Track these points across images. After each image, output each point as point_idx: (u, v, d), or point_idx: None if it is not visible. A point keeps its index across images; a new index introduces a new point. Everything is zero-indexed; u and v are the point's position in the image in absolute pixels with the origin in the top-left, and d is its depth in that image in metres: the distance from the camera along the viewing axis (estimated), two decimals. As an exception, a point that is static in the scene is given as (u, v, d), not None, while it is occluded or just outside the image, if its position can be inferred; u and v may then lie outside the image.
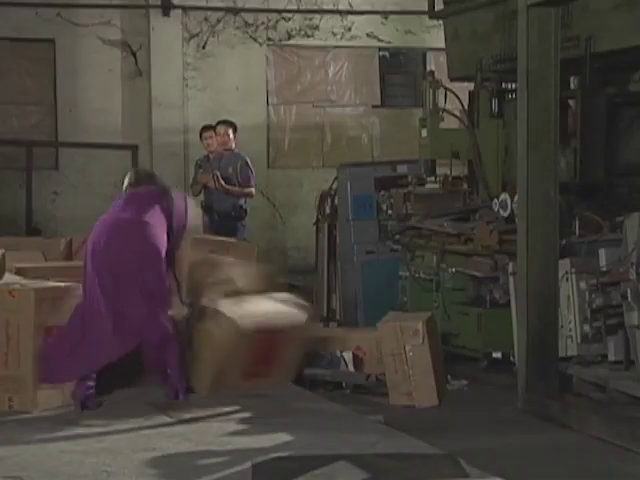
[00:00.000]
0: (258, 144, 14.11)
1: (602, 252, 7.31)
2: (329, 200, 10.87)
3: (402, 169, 10.24)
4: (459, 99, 9.59)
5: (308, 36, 14.85)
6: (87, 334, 6.87)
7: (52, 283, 7.02)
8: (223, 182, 10.70)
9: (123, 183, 7.50)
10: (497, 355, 8.39)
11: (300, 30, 14.79)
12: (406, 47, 15.32)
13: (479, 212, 8.82)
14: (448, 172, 9.67)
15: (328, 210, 10.86)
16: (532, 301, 6.88)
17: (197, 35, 14.28)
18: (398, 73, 15.60)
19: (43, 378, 6.75)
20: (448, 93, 9.59)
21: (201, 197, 11.30)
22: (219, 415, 6.57)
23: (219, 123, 11.17)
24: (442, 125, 9.55)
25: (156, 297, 6.93)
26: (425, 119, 9.50)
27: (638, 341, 6.95)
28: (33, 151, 13.73)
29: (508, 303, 7.92)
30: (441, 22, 10.62)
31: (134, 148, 14.06)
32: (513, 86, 9.19)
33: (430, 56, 15.28)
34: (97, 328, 6.84)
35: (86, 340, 6.85)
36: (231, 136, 10.99)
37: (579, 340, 7.39)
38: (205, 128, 11.40)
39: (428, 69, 14.27)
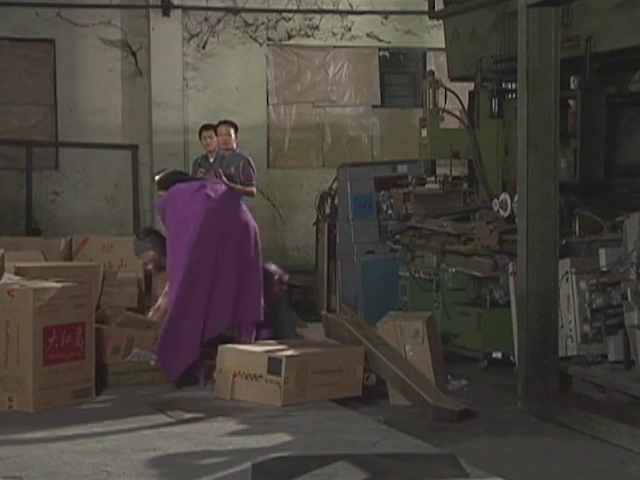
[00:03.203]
0: (258, 144, 14.12)
1: (602, 252, 7.31)
2: (329, 200, 10.88)
3: (402, 169, 10.25)
4: (459, 99, 9.59)
5: (308, 36, 14.85)
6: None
7: (52, 283, 7.02)
8: (226, 180, 10.70)
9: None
10: (497, 355, 8.39)
11: (300, 30, 14.80)
12: (406, 47, 15.33)
13: (479, 212, 8.82)
14: (448, 172, 9.68)
15: (328, 210, 10.88)
16: (532, 301, 6.87)
17: (197, 35, 14.28)
18: (398, 73, 15.61)
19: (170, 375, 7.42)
20: (448, 93, 9.60)
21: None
22: (219, 415, 6.57)
23: (220, 123, 11.18)
24: (442, 125, 9.55)
25: None
26: (425, 119, 9.51)
27: (638, 341, 6.95)
28: (33, 151, 13.74)
29: (508, 303, 7.92)
30: (441, 22, 10.62)
31: (134, 148, 14.07)
32: (513, 86, 9.20)
33: (430, 56, 15.29)
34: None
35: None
36: (232, 136, 11.01)
37: (579, 340, 7.39)
38: (205, 127, 11.41)
39: (428, 69, 14.28)
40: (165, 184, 8.23)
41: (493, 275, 8.31)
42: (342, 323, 7.50)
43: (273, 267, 8.39)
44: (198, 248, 7.50)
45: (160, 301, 8.29)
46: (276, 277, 8.30)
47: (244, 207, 8.04)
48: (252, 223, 7.90)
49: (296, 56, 14.88)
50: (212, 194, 7.81)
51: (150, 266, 8.49)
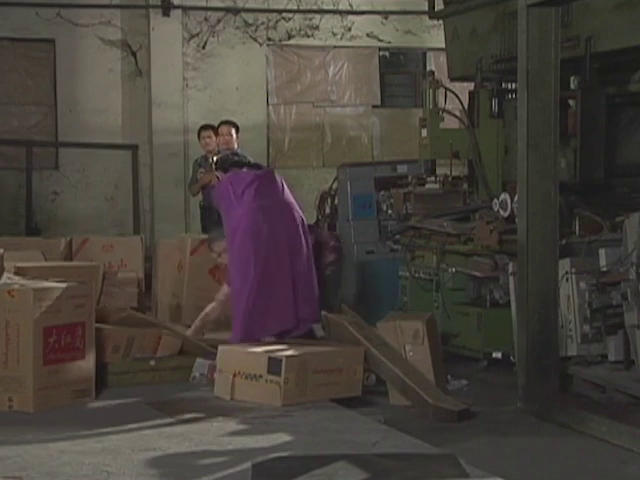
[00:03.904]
0: (258, 144, 14.13)
1: (602, 252, 7.31)
2: (329, 200, 10.88)
3: (402, 169, 10.25)
4: (459, 99, 9.59)
5: (308, 36, 14.87)
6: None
7: (52, 283, 7.02)
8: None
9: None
10: (497, 355, 8.38)
11: (300, 30, 14.81)
12: (406, 47, 15.34)
13: (479, 212, 8.82)
14: (448, 172, 9.67)
15: (328, 210, 10.87)
16: (532, 301, 6.87)
17: (197, 35, 14.29)
18: (398, 73, 15.62)
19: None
20: (448, 93, 9.60)
21: (199, 197, 11.33)
22: (219, 415, 6.57)
23: (222, 123, 11.20)
24: (442, 125, 9.55)
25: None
26: (425, 119, 9.50)
27: (638, 341, 6.96)
28: (33, 151, 13.75)
29: (508, 303, 7.92)
30: (441, 22, 10.62)
31: (134, 148, 14.09)
32: (513, 86, 9.20)
33: (430, 56, 15.31)
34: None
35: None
36: (234, 136, 11.03)
37: (579, 340, 7.39)
38: (204, 127, 11.42)
39: (428, 69, 14.29)
40: (224, 165, 8.23)
41: (493, 275, 8.30)
42: (342, 323, 7.50)
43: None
44: (251, 248, 7.65)
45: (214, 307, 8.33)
46: (331, 243, 8.35)
47: (294, 204, 7.98)
48: (299, 222, 7.90)
49: (296, 56, 14.89)
50: (262, 190, 7.81)
51: (223, 256, 8.27)
